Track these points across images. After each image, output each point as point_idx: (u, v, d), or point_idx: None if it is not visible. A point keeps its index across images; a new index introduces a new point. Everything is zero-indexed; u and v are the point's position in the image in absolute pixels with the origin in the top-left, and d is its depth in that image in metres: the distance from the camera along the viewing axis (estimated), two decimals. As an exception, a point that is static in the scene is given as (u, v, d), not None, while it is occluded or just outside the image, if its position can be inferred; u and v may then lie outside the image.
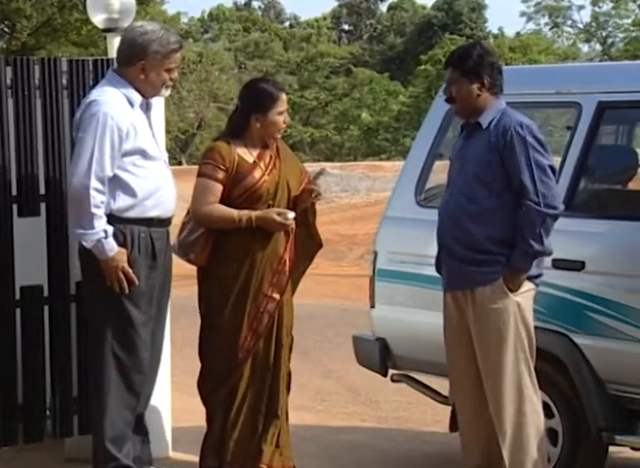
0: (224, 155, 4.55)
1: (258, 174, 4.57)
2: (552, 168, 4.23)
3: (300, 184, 4.68)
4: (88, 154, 4.21)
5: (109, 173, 4.23)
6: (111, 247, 4.23)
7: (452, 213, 4.29)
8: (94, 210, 4.19)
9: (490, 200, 4.21)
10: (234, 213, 4.51)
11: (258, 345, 4.57)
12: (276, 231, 4.54)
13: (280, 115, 4.61)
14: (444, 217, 4.34)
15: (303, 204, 4.66)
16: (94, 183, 4.19)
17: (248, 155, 4.60)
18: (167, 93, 4.48)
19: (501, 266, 4.19)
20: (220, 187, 4.54)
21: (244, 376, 4.57)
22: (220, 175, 4.54)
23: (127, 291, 4.26)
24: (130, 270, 4.26)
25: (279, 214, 4.50)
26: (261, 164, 4.60)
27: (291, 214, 4.52)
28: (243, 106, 4.64)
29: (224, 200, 4.55)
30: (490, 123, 4.25)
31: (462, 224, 4.24)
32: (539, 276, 4.29)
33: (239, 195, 4.55)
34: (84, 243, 4.23)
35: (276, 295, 4.58)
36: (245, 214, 4.51)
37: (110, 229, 4.23)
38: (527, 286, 4.24)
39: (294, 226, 4.63)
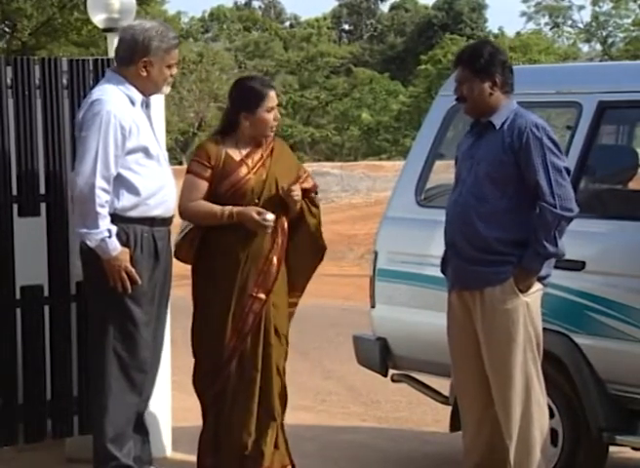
0: (211, 153, 4.58)
1: (243, 171, 4.59)
2: (567, 170, 4.20)
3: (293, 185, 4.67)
4: (93, 153, 4.21)
5: (114, 171, 4.24)
6: (114, 246, 4.23)
7: (461, 212, 4.25)
8: (98, 209, 4.20)
9: (502, 201, 4.18)
10: (217, 208, 4.54)
11: (244, 345, 4.57)
12: (254, 230, 4.54)
13: (269, 112, 4.60)
14: (452, 217, 4.30)
15: (291, 205, 4.61)
16: (99, 182, 4.20)
17: (236, 153, 4.62)
18: (167, 90, 4.49)
19: (512, 266, 4.17)
20: (205, 184, 4.57)
21: (232, 376, 4.58)
22: (207, 172, 4.57)
23: (129, 290, 4.26)
24: (132, 270, 4.26)
25: (259, 213, 4.51)
26: (249, 162, 4.61)
27: (269, 216, 4.52)
28: (232, 105, 4.66)
29: (211, 197, 4.57)
30: (503, 123, 4.21)
31: (473, 225, 4.21)
32: (547, 276, 4.27)
33: (224, 192, 4.57)
34: (88, 242, 4.23)
35: (262, 295, 4.58)
36: (227, 209, 4.53)
37: (114, 229, 4.24)
38: (536, 286, 4.22)
39: (285, 225, 4.61)
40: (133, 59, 4.33)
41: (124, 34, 4.41)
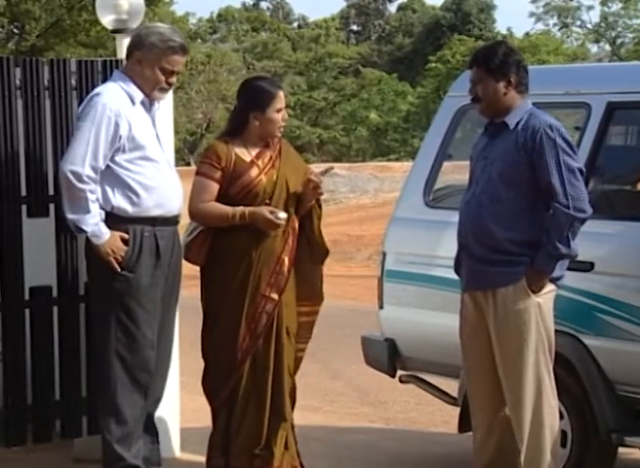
0: (221, 154, 4.57)
1: (254, 172, 4.58)
2: (581, 170, 4.18)
3: (302, 185, 4.67)
4: (84, 142, 4.24)
5: (102, 163, 4.25)
6: (106, 229, 4.26)
7: (474, 213, 4.24)
8: (89, 195, 4.22)
9: (516, 201, 4.17)
10: (228, 209, 4.53)
11: (257, 345, 4.57)
12: (266, 229, 4.54)
13: (278, 112, 4.61)
14: (465, 218, 4.29)
15: (307, 201, 4.64)
16: (87, 171, 4.22)
17: (246, 154, 4.61)
18: (163, 97, 4.46)
19: (524, 267, 4.15)
20: (216, 186, 4.56)
21: (244, 377, 4.57)
22: (217, 174, 4.55)
23: (119, 269, 4.26)
24: (124, 248, 4.24)
25: (271, 212, 4.51)
26: (259, 163, 4.60)
27: (282, 215, 4.51)
28: (241, 105, 4.65)
29: (222, 198, 4.57)
30: (517, 123, 4.20)
31: (485, 225, 4.19)
32: (560, 277, 4.25)
33: (236, 193, 4.56)
34: (84, 226, 4.24)
35: (274, 296, 4.57)
36: (239, 209, 4.52)
37: (102, 213, 4.26)
38: (548, 287, 4.21)
39: (296, 226, 4.62)
40: (131, 52, 4.38)
41: (134, 31, 4.45)
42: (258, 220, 4.52)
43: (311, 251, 4.71)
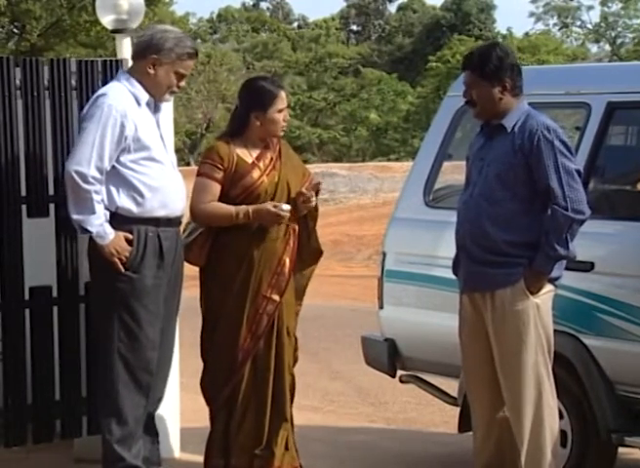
0: (223, 155, 4.56)
1: (256, 174, 4.58)
2: (579, 172, 4.18)
3: (302, 186, 4.67)
4: (90, 143, 4.24)
5: (107, 164, 4.25)
6: (111, 230, 4.26)
7: (471, 214, 4.23)
8: (94, 195, 4.22)
9: (513, 203, 4.16)
10: (231, 208, 4.53)
11: (257, 346, 4.57)
12: (272, 224, 4.53)
13: (280, 113, 4.60)
14: (463, 219, 4.28)
15: (298, 212, 4.64)
16: (92, 172, 4.22)
17: (247, 155, 4.61)
18: (170, 99, 4.50)
19: (522, 268, 4.15)
20: (217, 187, 4.56)
21: (245, 378, 4.58)
22: (219, 174, 4.55)
23: (122, 270, 4.26)
24: (128, 248, 4.25)
25: (274, 206, 4.50)
26: (261, 164, 4.60)
27: (285, 206, 4.51)
28: (242, 105, 4.64)
29: (223, 199, 4.56)
30: (514, 125, 4.19)
31: (482, 227, 4.19)
32: (558, 278, 4.24)
33: (237, 195, 4.56)
34: (89, 227, 4.24)
35: (275, 297, 4.58)
36: (242, 208, 4.52)
37: (107, 214, 4.26)
38: (546, 288, 4.20)
39: (296, 227, 4.61)
40: (144, 55, 4.36)
41: (143, 32, 4.47)
42: (262, 216, 4.51)
43: (301, 251, 4.69)
